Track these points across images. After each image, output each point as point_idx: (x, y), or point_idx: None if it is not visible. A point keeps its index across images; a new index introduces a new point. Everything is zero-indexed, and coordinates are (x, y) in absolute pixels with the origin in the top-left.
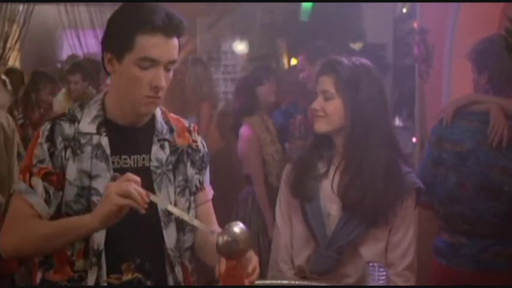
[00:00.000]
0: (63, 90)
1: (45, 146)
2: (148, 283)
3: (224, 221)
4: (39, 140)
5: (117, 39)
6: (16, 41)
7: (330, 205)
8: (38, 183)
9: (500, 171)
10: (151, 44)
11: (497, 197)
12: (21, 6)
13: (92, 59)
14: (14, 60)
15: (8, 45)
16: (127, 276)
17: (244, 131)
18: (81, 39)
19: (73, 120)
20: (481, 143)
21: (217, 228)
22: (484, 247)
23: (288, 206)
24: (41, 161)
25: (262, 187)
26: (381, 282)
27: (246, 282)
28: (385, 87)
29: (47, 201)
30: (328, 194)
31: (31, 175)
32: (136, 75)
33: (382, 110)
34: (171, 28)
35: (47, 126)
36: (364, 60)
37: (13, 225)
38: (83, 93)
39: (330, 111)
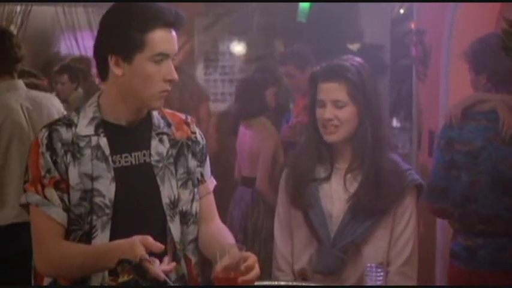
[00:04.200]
0: (53, 94)
1: (47, 155)
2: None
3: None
4: (40, 150)
5: (125, 40)
6: None
7: (331, 206)
8: (52, 194)
9: None
10: (164, 39)
11: (510, 192)
12: (18, 7)
13: (79, 58)
14: None
15: None
16: (123, 278)
17: (256, 132)
18: (78, 40)
19: (70, 124)
20: (491, 139)
21: (219, 223)
22: (500, 246)
23: (288, 212)
24: (49, 171)
25: (268, 189)
26: (378, 283)
27: (239, 281)
28: (378, 84)
29: (65, 209)
30: (329, 196)
31: (43, 187)
32: (151, 71)
33: (383, 108)
34: (179, 22)
35: (44, 133)
36: (358, 59)
37: (44, 247)
38: (71, 94)
39: (344, 118)
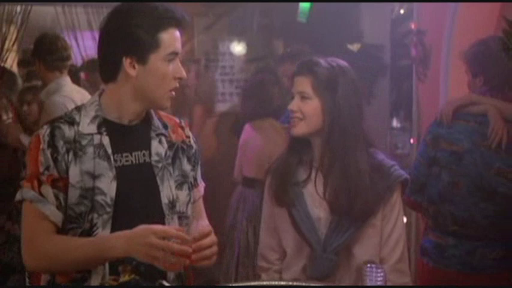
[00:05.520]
0: None
1: (48, 152)
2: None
3: (220, 221)
4: (41, 146)
5: (140, 41)
6: (14, 42)
7: (319, 209)
8: (48, 191)
9: (496, 172)
10: (175, 38)
11: (490, 198)
12: (18, 7)
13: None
14: (12, 62)
15: (6, 46)
16: (124, 278)
17: (265, 134)
18: (78, 40)
19: (72, 122)
20: (478, 144)
21: (207, 223)
22: (471, 249)
23: (272, 217)
24: (48, 168)
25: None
26: (378, 283)
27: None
28: (360, 88)
29: (59, 207)
30: (315, 198)
31: (40, 183)
32: (165, 70)
33: (358, 110)
34: (186, 22)
35: (46, 130)
36: (341, 61)
37: (35, 242)
38: None
39: (307, 112)
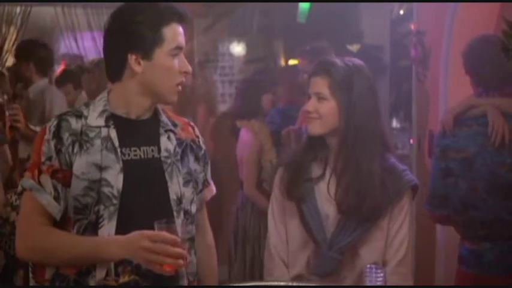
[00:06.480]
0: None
1: (52, 143)
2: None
3: (220, 225)
4: (45, 137)
5: (145, 37)
6: (13, 43)
7: (328, 207)
8: (47, 180)
9: (509, 168)
10: (178, 33)
11: (509, 195)
12: (18, 8)
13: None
14: (11, 62)
15: (6, 47)
16: (124, 278)
17: (245, 134)
18: (78, 41)
19: (79, 115)
20: (485, 145)
21: (208, 226)
22: (507, 250)
23: (283, 211)
24: (49, 159)
25: (255, 192)
26: (378, 283)
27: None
28: (376, 87)
29: (56, 198)
30: (325, 195)
31: (40, 173)
32: (170, 65)
33: (374, 110)
34: (187, 18)
35: (53, 122)
36: (357, 61)
37: (29, 234)
38: (75, 99)
39: (323, 112)
